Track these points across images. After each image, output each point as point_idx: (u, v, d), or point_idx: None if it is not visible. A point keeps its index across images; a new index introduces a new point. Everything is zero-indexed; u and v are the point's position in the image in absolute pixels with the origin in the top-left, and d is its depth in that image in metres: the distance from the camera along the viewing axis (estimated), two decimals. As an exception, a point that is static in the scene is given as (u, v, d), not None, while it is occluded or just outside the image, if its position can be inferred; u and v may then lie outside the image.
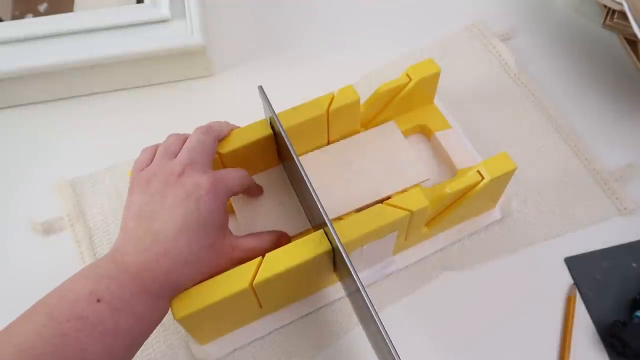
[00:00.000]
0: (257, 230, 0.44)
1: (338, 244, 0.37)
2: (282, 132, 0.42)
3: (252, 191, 0.46)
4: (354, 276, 0.35)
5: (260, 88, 0.43)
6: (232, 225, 0.42)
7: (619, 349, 0.43)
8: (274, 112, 0.42)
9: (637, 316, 0.44)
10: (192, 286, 0.37)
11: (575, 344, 0.44)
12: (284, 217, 0.46)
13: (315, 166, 0.48)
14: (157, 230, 0.35)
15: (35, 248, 0.49)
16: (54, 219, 0.49)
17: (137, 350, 0.34)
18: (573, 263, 0.47)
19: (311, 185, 0.39)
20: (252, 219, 0.45)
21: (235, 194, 0.41)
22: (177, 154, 0.40)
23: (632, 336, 0.42)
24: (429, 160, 0.51)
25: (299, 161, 0.40)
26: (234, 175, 0.40)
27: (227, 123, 0.44)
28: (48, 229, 0.49)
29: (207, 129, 0.42)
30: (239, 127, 0.45)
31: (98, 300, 0.32)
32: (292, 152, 0.40)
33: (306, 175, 0.39)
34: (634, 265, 0.47)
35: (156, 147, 0.42)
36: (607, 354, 0.44)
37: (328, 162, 0.48)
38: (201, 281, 0.38)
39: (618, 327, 0.43)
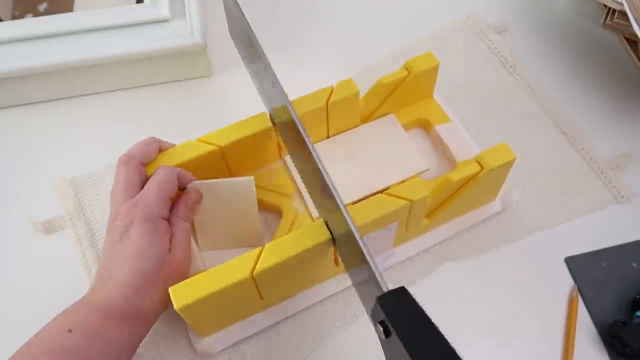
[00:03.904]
0: (217, 241, 0.45)
1: (351, 225, 0.35)
2: (292, 113, 0.39)
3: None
4: (366, 255, 0.34)
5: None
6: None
7: (619, 349, 0.43)
8: (247, 22, 0.40)
9: (638, 316, 0.44)
10: (160, 306, 0.39)
11: (575, 344, 0.44)
12: (242, 230, 0.45)
13: None
14: (111, 269, 0.39)
15: (36, 247, 0.49)
16: (55, 218, 0.50)
17: None
18: (573, 263, 0.47)
19: (326, 171, 0.37)
20: (211, 234, 0.45)
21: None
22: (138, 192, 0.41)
23: (633, 336, 0.42)
24: (429, 153, 0.51)
25: (312, 146, 0.38)
26: (154, 196, 0.40)
27: (153, 139, 0.44)
28: (49, 228, 0.49)
29: (128, 160, 0.42)
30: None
31: (69, 331, 0.36)
32: (304, 137, 0.38)
33: (319, 160, 0.37)
34: (634, 265, 0.47)
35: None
36: (608, 353, 0.44)
37: (329, 155, 0.49)
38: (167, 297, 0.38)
39: (618, 327, 0.43)
